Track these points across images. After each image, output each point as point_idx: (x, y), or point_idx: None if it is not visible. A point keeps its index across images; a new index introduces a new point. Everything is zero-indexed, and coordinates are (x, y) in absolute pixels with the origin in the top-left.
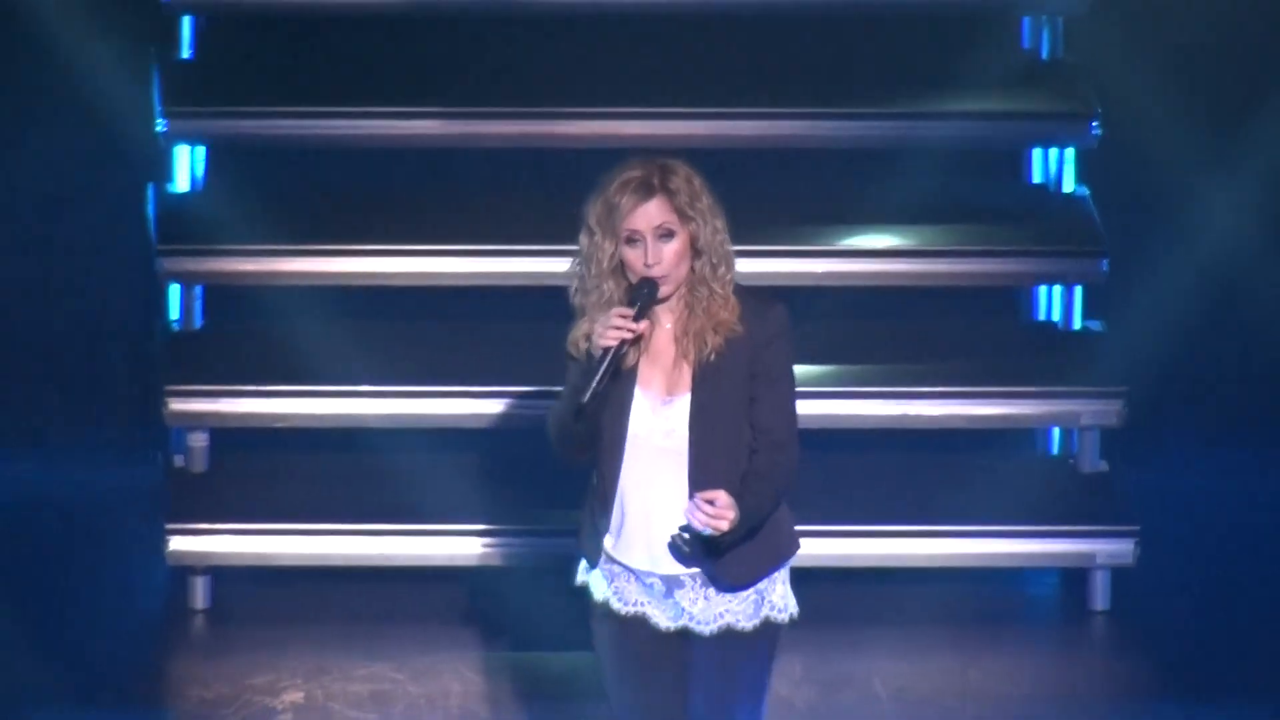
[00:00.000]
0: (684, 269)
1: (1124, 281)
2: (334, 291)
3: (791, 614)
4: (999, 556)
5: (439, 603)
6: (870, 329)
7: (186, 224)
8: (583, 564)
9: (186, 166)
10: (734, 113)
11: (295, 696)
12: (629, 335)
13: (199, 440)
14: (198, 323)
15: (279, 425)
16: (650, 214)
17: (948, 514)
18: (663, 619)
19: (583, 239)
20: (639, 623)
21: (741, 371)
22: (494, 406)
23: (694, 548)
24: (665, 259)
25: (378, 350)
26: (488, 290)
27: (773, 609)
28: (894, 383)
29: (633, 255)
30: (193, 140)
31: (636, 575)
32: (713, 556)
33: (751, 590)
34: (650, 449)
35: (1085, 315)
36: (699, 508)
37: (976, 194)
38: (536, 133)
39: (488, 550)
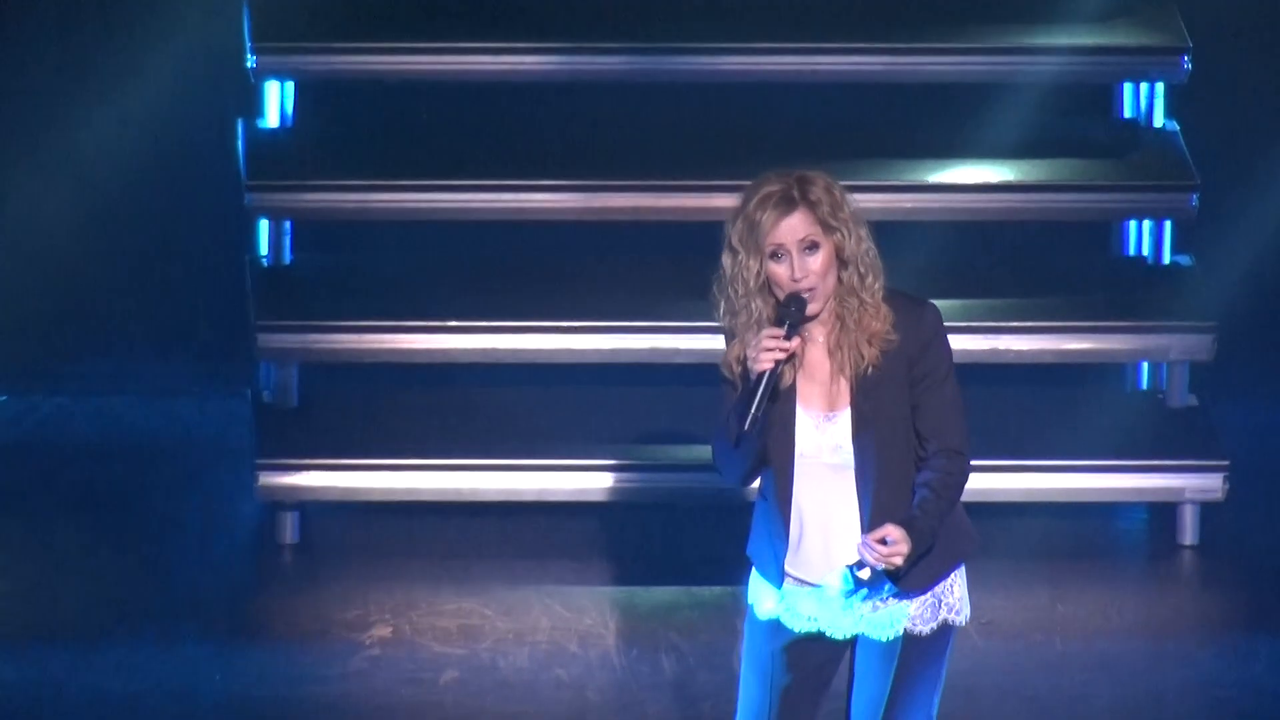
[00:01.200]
0: (831, 281)
1: (1214, 216)
2: (423, 226)
3: (966, 616)
4: (1088, 491)
5: (528, 538)
6: (960, 263)
7: (276, 159)
8: (754, 581)
9: (276, 102)
10: (826, 48)
11: (383, 631)
12: (782, 355)
13: (288, 375)
14: (287, 258)
15: (368, 360)
16: (794, 227)
17: (1037, 449)
18: (839, 630)
19: (725, 259)
20: (812, 638)
21: (900, 379)
22: (585, 341)
23: (872, 578)
24: (812, 271)
25: (467, 285)
26: (581, 225)
27: (950, 611)
28: (984, 317)
29: (778, 270)
30: (282, 76)
31: (812, 588)
32: (893, 580)
33: (929, 594)
34: (819, 466)
35: (1175, 250)
36: (871, 547)
37: (1067, 129)
38: (636, 69)
39: (577, 485)
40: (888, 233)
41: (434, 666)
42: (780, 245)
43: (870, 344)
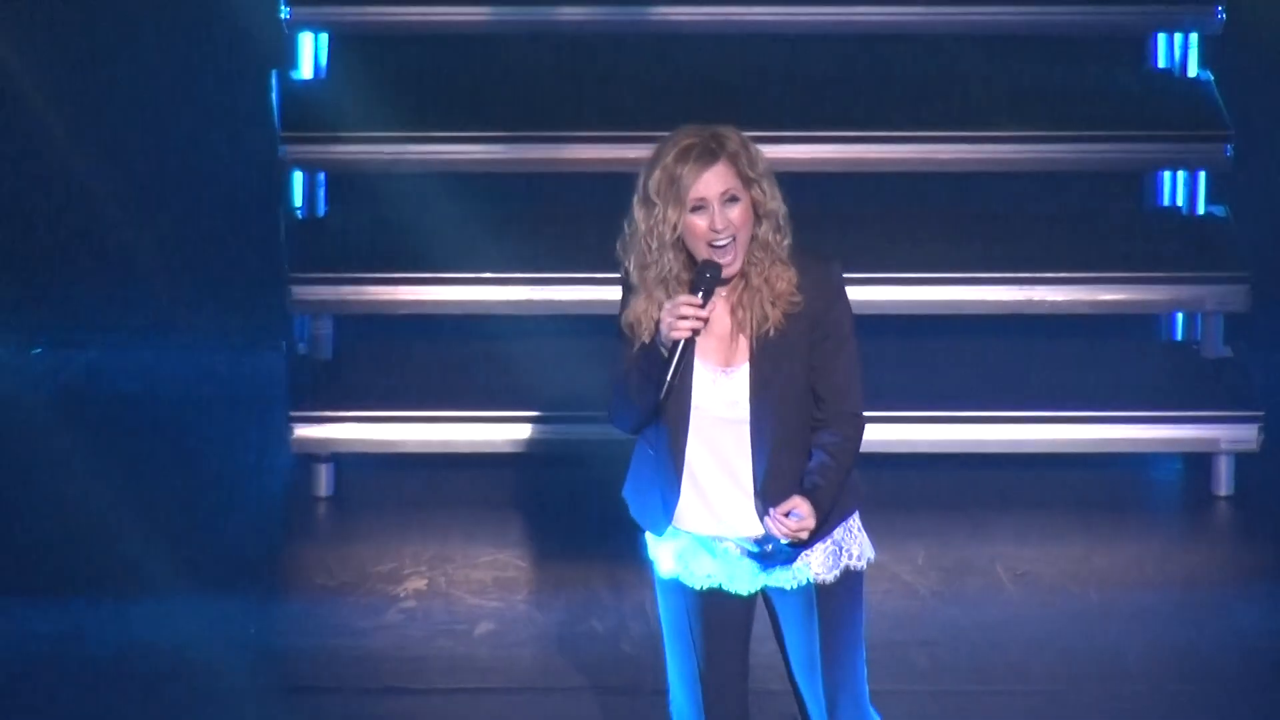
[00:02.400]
0: (747, 235)
1: (1248, 167)
2: (457, 178)
3: (869, 559)
4: (1122, 442)
5: (562, 489)
6: (993, 214)
7: (310, 111)
8: (650, 538)
9: (310, 54)
10: None
11: (418, 584)
12: (699, 324)
13: (323, 327)
14: (321, 210)
15: (402, 312)
16: (716, 179)
17: (1071, 399)
18: (741, 585)
19: (638, 212)
20: (714, 594)
21: (802, 339)
22: (618, 292)
23: (776, 548)
24: (731, 222)
25: (501, 237)
26: (613, 175)
27: (851, 558)
28: (1018, 268)
29: (698, 223)
30: (316, 27)
31: (706, 545)
32: (798, 549)
33: (829, 542)
34: (712, 419)
35: (1209, 200)
36: (780, 522)
37: (1101, 79)
38: (655, 18)
39: (612, 436)
40: (921, 183)
41: (469, 618)
42: (702, 198)
43: (775, 305)
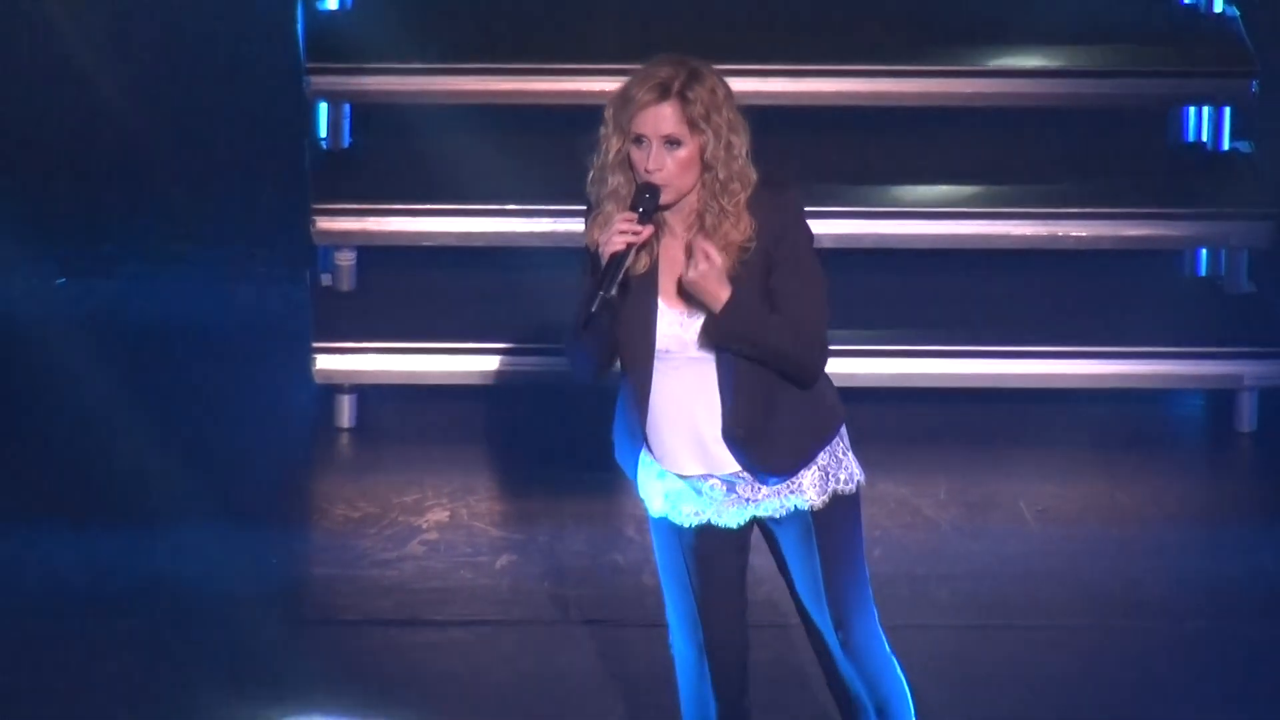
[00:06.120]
0: (689, 180)
1: (1273, 102)
2: (483, 110)
3: (859, 481)
4: (1145, 378)
5: (587, 422)
6: (1018, 149)
7: (335, 42)
8: (641, 478)
9: None
10: None
11: (440, 515)
12: (634, 240)
13: (346, 259)
14: (345, 141)
15: (426, 244)
16: (659, 119)
17: (1094, 335)
18: (730, 519)
19: (601, 129)
20: (704, 530)
21: (758, 273)
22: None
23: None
24: (667, 167)
25: (525, 169)
26: None
27: (838, 482)
28: (1042, 203)
29: (637, 155)
30: None
31: (691, 484)
32: (776, 479)
33: (815, 468)
34: (682, 359)
35: (1234, 136)
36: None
37: (1127, 14)
38: None
39: None
40: (948, 117)
41: (490, 550)
42: (643, 132)
43: (725, 252)
